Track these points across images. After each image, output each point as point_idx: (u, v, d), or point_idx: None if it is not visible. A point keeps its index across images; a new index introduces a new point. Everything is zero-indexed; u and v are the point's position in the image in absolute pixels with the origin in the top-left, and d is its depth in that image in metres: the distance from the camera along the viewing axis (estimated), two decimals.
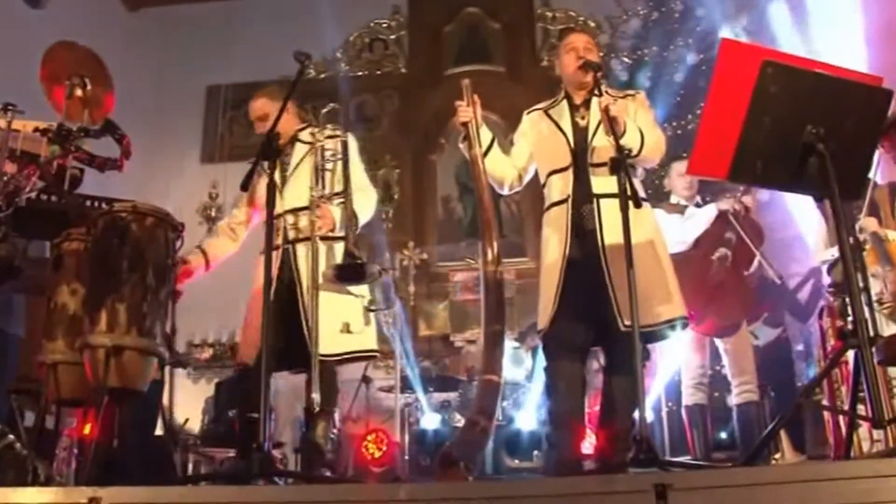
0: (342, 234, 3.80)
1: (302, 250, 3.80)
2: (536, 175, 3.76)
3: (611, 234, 3.31)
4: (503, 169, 3.70)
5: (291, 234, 3.83)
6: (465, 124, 3.62)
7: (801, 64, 2.55)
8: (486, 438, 3.21)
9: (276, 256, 3.70)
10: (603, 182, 3.39)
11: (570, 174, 3.49)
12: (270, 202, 3.15)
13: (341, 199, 3.82)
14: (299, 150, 3.99)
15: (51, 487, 2.68)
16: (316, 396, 3.57)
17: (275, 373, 3.75)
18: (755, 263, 4.90)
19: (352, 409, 5.76)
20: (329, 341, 3.70)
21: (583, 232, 3.41)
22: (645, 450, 2.63)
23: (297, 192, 3.87)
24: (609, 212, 3.35)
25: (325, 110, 4.24)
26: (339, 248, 3.81)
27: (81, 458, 3.57)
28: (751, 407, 4.78)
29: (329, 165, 3.87)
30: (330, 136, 3.94)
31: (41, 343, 3.47)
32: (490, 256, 3.35)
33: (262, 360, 2.95)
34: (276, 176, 3.66)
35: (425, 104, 8.98)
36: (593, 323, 3.37)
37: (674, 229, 4.75)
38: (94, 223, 3.37)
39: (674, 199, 5.06)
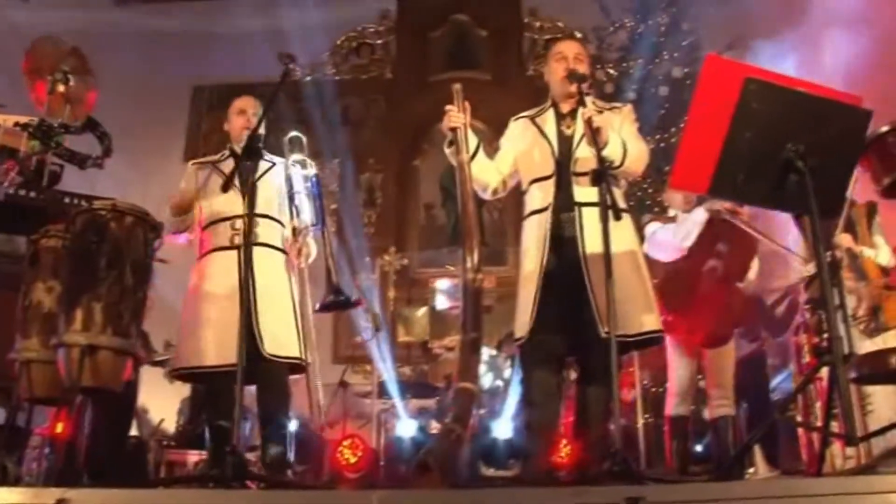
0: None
1: (260, 253, 3.76)
2: (518, 183, 3.76)
3: (591, 242, 3.32)
4: (488, 174, 3.69)
5: (252, 237, 3.70)
6: (454, 129, 3.56)
7: (784, 82, 2.56)
8: (461, 446, 3.19)
9: (233, 256, 3.71)
10: (585, 191, 3.39)
11: (552, 183, 3.48)
12: (251, 202, 3.17)
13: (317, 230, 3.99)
14: (261, 165, 3.92)
15: (18, 488, 2.64)
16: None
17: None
18: (749, 273, 4.88)
19: (328, 413, 5.74)
20: (278, 343, 3.74)
21: (562, 241, 3.40)
22: (619, 462, 2.63)
23: (259, 200, 3.77)
24: (590, 220, 3.36)
25: (287, 137, 4.24)
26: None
27: (52, 458, 3.54)
28: (727, 421, 4.78)
29: (297, 198, 4.00)
30: (297, 164, 4.09)
31: (14, 340, 3.44)
32: (470, 264, 3.33)
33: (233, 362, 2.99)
34: (235, 180, 3.68)
35: (411, 109, 8.99)
36: (570, 332, 3.37)
37: (669, 237, 4.76)
38: (73, 220, 3.35)
39: (671, 213, 5.07)
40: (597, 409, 3.32)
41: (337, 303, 4.00)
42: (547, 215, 3.44)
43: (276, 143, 4.22)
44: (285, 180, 4.03)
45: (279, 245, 3.95)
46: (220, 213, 3.84)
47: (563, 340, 3.38)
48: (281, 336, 3.77)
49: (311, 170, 4.14)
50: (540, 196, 3.51)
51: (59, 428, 3.25)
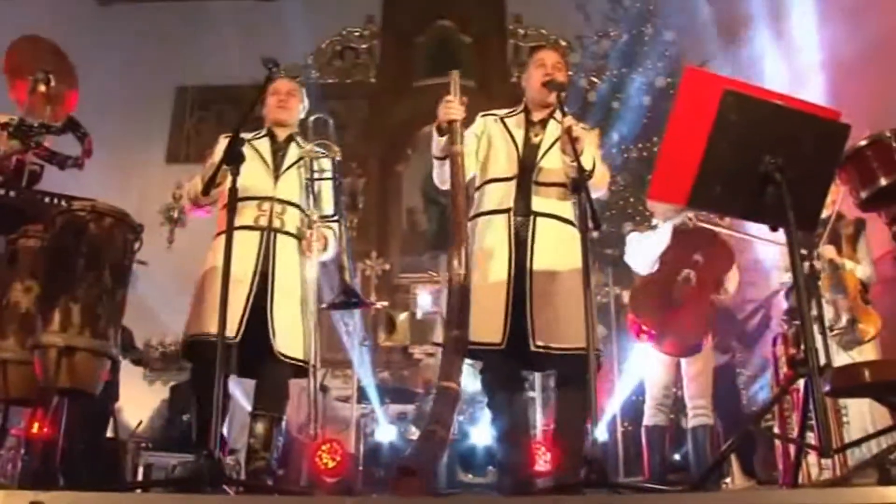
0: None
1: (283, 242, 3.70)
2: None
3: (542, 254, 3.33)
4: (468, 158, 3.57)
5: (277, 223, 3.72)
6: (451, 121, 3.42)
7: (762, 95, 2.58)
8: (443, 448, 3.15)
9: (255, 238, 3.65)
10: (543, 202, 3.41)
11: (513, 185, 3.47)
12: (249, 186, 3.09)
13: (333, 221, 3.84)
14: (294, 151, 3.90)
15: None
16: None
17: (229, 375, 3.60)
18: (728, 285, 4.91)
19: (308, 417, 5.72)
20: (288, 341, 3.62)
21: (518, 243, 3.38)
22: (596, 470, 2.64)
23: (288, 186, 3.80)
24: (544, 232, 3.37)
25: (312, 118, 4.13)
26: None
27: (27, 459, 3.52)
28: (705, 430, 4.81)
29: (317, 185, 3.83)
30: (321, 147, 3.92)
31: None
32: (458, 260, 3.29)
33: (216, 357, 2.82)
34: (269, 161, 3.81)
35: (394, 114, 9.00)
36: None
37: (637, 251, 4.79)
38: (52, 221, 3.33)
39: (654, 222, 5.10)
40: (572, 416, 3.30)
41: (347, 303, 3.82)
42: (508, 217, 3.43)
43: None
44: (307, 166, 3.87)
45: (299, 236, 3.79)
46: (246, 191, 3.48)
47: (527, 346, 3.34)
48: (291, 335, 3.65)
49: (336, 155, 3.96)
50: (498, 196, 3.49)
51: (35, 429, 3.23)
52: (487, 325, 3.31)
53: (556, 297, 3.28)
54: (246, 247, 3.56)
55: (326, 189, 3.90)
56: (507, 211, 3.45)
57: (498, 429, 3.53)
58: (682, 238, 4.82)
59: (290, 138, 3.96)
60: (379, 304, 7.07)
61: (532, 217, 3.40)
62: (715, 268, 4.84)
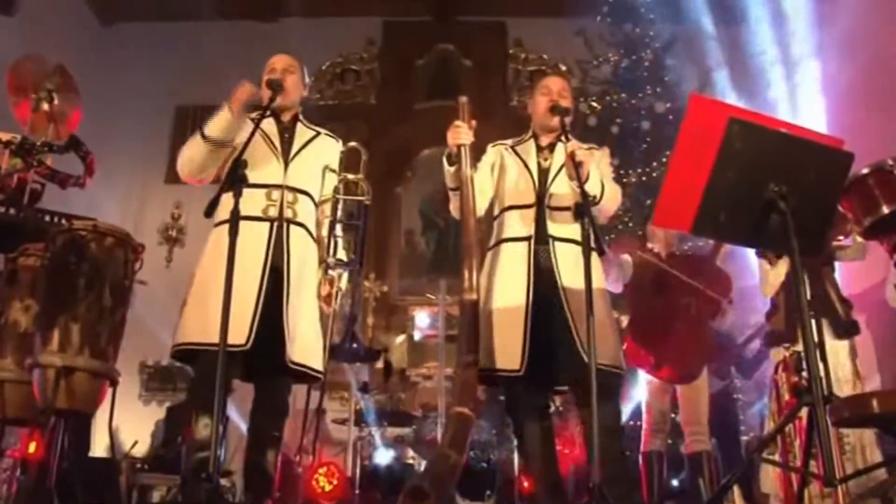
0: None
1: (296, 234, 3.38)
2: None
3: (567, 276, 3.33)
4: (480, 191, 3.56)
5: (288, 213, 3.37)
6: (460, 146, 3.41)
7: (767, 122, 2.59)
8: (456, 473, 3.13)
9: (264, 229, 3.29)
10: (559, 227, 3.41)
11: (532, 213, 3.48)
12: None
13: (350, 268, 3.54)
14: (302, 131, 3.59)
15: None
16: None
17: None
18: (727, 316, 4.90)
19: (304, 439, 5.68)
20: (305, 351, 3.29)
21: (539, 272, 3.39)
22: (597, 497, 2.63)
23: (300, 173, 3.46)
24: (564, 255, 3.37)
25: (342, 148, 3.72)
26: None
27: (23, 480, 3.49)
28: (702, 455, 4.79)
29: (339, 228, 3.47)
30: (349, 186, 3.60)
31: None
32: (467, 283, 3.28)
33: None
34: (277, 142, 3.47)
35: (394, 136, 9.02)
36: (558, 363, 3.32)
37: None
38: (53, 240, 3.33)
39: (649, 245, 5.09)
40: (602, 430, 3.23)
41: (356, 357, 3.58)
42: (529, 245, 3.43)
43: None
44: (332, 206, 3.52)
45: (313, 229, 3.49)
46: (253, 178, 3.06)
47: (549, 372, 3.34)
48: (308, 340, 3.33)
49: (364, 196, 3.62)
50: (518, 224, 3.49)
51: (32, 449, 3.21)
52: (507, 352, 3.30)
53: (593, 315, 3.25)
54: (254, 239, 3.21)
55: (348, 233, 3.54)
56: (527, 238, 3.44)
57: (523, 455, 3.52)
58: (681, 264, 4.82)
59: (294, 118, 3.62)
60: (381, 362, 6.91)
61: (552, 242, 3.40)
62: (713, 295, 4.82)
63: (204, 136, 3.33)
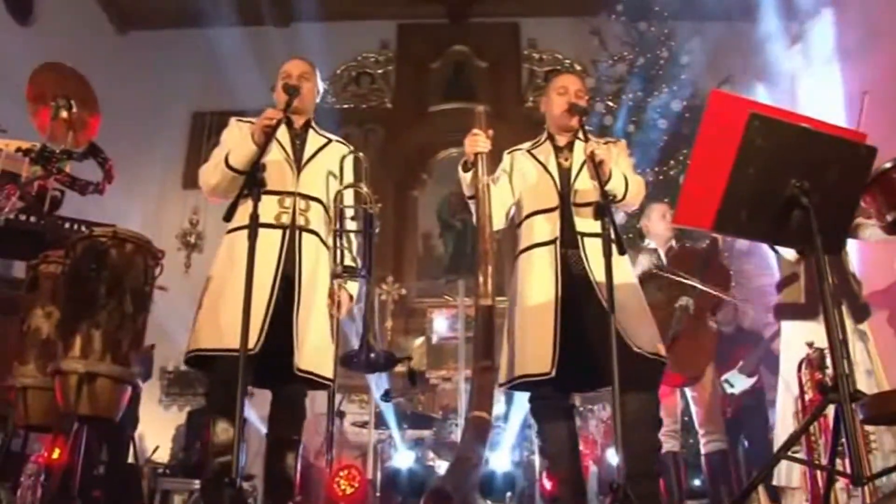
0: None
1: (308, 241, 3.38)
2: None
3: (599, 272, 3.27)
4: (500, 203, 3.60)
5: (301, 221, 3.38)
6: (477, 154, 3.46)
7: (788, 117, 2.56)
8: (477, 475, 3.13)
9: (276, 237, 3.30)
10: (586, 223, 3.38)
11: (557, 215, 3.45)
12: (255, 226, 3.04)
13: (360, 276, 3.51)
14: (314, 138, 3.61)
15: None
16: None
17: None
18: (748, 315, 4.87)
19: (324, 442, 5.69)
20: (313, 358, 3.29)
21: (570, 275, 3.36)
22: (621, 498, 2.61)
23: (311, 180, 3.48)
24: (594, 251, 3.32)
25: (345, 157, 3.69)
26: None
27: (47, 486, 3.50)
28: (719, 455, 4.77)
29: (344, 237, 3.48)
30: (353, 194, 3.62)
31: (11, 366, 3.42)
32: (484, 289, 3.27)
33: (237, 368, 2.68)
34: (289, 149, 3.48)
35: (409, 139, 9.04)
36: (588, 365, 3.28)
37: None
38: (73, 247, 3.35)
39: (646, 242, 5.07)
40: (639, 421, 3.13)
41: (371, 367, 3.52)
42: (555, 248, 3.38)
43: None
44: (335, 214, 3.50)
45: (325, 236, 3.48)
46: (266, 185, 3.10)
47: (579, 373, 3.30)
48: (318, 348, 3.32)
49: (371, 208, 3.59)
50: (544, 228, 3.46)
51: (55, 455, 3.22)
52: (536, 355, 3.26)
53: (628, 306, 3.20)
54: (266, 247, 3.17)
55: (352, 241, 3.53)
56: (553, 242, 3.41)
57: (546, 457, 3.50)
58: (678, 263, 4.78)
59: (307, 125, 3.64)
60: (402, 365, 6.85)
61: (580, 239, 3.36)
62: (710, 294, 4.76)
63: (228, 166, 3.34)
